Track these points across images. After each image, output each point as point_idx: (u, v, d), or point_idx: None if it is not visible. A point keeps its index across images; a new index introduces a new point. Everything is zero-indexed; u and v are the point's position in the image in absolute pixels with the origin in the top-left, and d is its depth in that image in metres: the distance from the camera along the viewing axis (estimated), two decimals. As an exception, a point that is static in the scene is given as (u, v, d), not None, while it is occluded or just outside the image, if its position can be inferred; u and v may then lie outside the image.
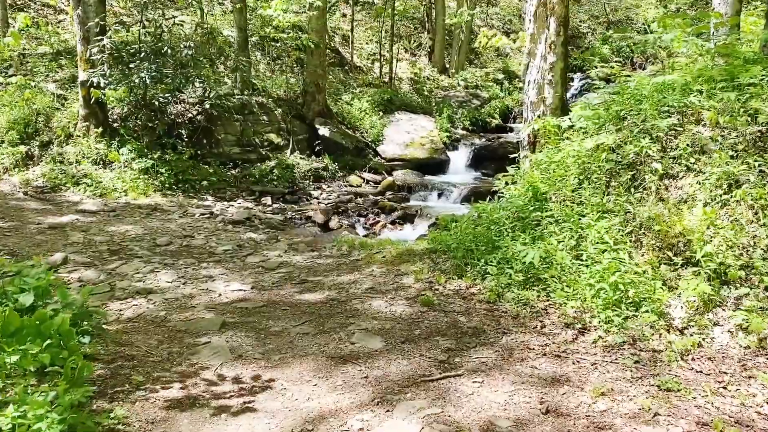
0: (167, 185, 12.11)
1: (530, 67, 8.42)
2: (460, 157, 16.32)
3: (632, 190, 5.90)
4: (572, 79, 26.89)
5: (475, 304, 5.61)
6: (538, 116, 8.33)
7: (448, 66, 23.42)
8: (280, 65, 18.10)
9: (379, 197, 13.06)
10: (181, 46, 12.48)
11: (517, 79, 24.74)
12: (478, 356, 4.56)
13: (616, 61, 30.74)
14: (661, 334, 4.72)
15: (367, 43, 22.89)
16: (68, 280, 6.43)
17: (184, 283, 6.80)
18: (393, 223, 11.75)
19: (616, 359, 4.47)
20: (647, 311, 4.87)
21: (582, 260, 5.51)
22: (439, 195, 13.40)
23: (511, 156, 15.70)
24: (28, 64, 13.99)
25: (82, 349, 4.04)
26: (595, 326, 4.93)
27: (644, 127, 6.10)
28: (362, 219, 11.94)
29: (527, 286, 5.61)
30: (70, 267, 6.97)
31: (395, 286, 6.13)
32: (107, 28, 12.54)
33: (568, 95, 24.30)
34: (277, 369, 4.37)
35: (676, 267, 5.14)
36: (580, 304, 5.15)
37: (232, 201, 12.30)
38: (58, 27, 16.08)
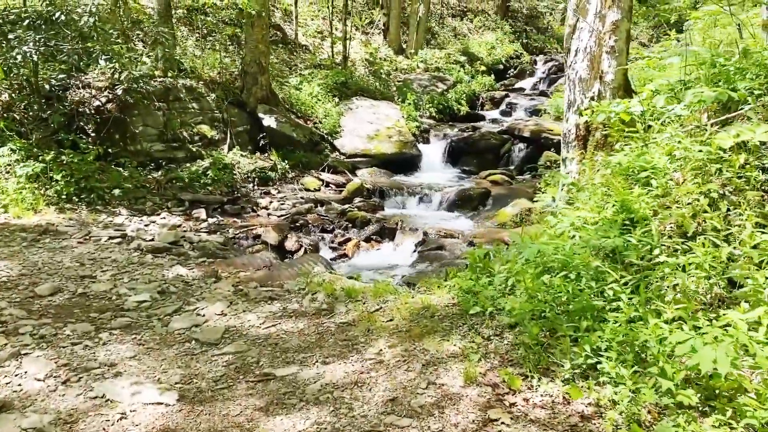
0: (65, 196, 9.03)
1: (578, 29, 5.92)
2: (433, 151, 13.78)
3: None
4: (535, 62, 24.85)
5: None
6: (591, 99, 5.85)
7: (404, 46, 20.81)
8: (212, 43, 15.04)
9: (346, 205, 10.36)
10: (79, 10, 9.35)
11: (479, 62, 22.43)
12: None
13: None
14: None
15: (312, 19, 20.00)
16: None
17: (65, 384, 4.01)
18: (368, 240, 9.10)
19: None
20: None
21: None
22: (419, 200, 10.82)
23: (500, 150, 13.48)
24: None
25: None
26: None
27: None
28: (328, 236, 9.23)
29: (703, 411, 3.06)
30: None
31: (435, 398, 3.49)
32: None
33: (532, 82, 22.28)
34: None
35: None
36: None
37: (154, 215, 9.34)
38: None
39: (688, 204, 4.16)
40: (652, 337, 3.32)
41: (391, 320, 4.62)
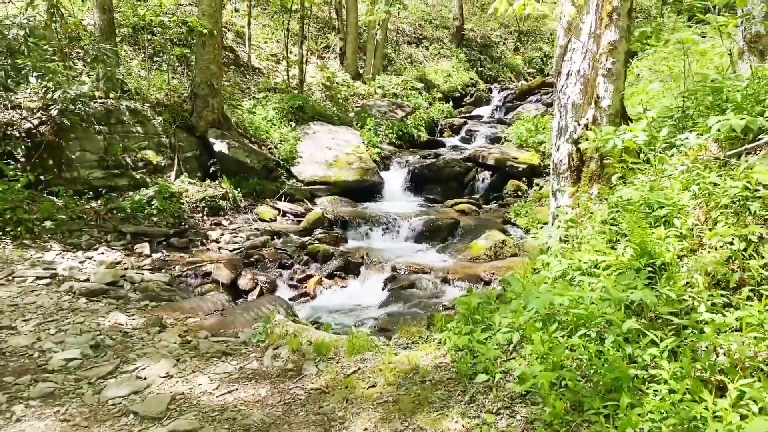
0: (-14, 230, 7.98)
1: (570, 50, 5.39)
2: (395, 179, 13.14)
3: None
4: (490, 90, 24.72)
5: None
6: (585, 126, 5.30)
7: (361, 71, 20.27)
8: (159, 63, 14.12)
9: (305, 237, 9.55)
10: (7, 22, 8.39)
11: (435, 89, 22.11)
12: None
13: (528, 73, 29.35)
14: None
15: (266, 42, 19.27)
16: None
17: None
18: (332, 276, 8.32)
19: None
20: None
21: None
22: (385, 231, 10.11)
23: (464, 178, 12.92)
24: None
25: None
26: None
27: None
28: (286, 272, 8.41)
29: None
30: None
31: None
32: None
33: (489, 110, 22.05)
34: None
35: None
36: None
37: (91, 250, 8.33)
38: None
39: (720, 248, 3.59)
40: (709, 418, 2.69)
41: (373, 386, 3.87)
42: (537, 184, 12.19)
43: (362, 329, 6.43)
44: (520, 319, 3.83)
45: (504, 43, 29.78)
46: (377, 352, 4.41)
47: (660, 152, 4.72)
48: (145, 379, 4.43)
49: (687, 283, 3.48)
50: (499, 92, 23.86)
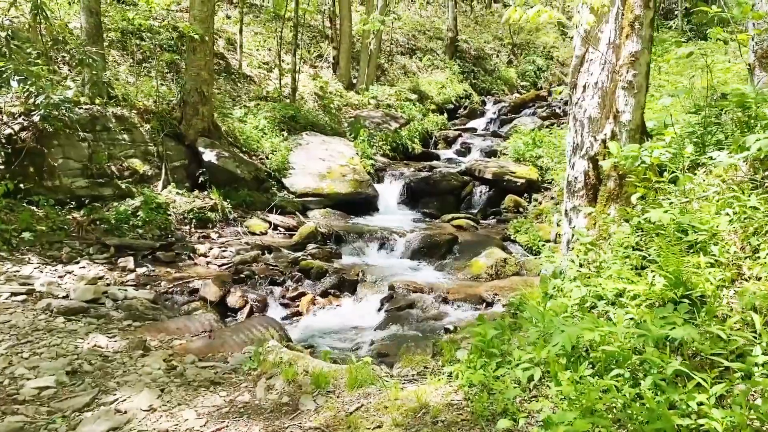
0: (-40, 241, 7.52)
1: (587, 62, 5.08)
2: (389, 192, 12.78)
3: None
4: (484, 103, 24.50)
5: None
6: (603, 141, 4.98)
7: (355, 81, 19.97)
8: (148, 69, 13.71)
9: (298, 252, 9.14)
10: (-12, 23, 7.99)
11: (429, 100, 21.85)
12: None
13: (522, 86, 29.21)
14: None
15: (257, 50, 18.93)
16: None
17: None
18: (325, 294, 7.93)
19: None
20: None
21: None
22: (380, 246, 9.73)
23: (461, 192, 12.51)
24: None
25: None
26: None
27: None
28: (278, 289, 8.01)
29: None
30: None
31: None
32: None
33: (483, 123, 21.79)
34: None
35: None
36: None
37: (72, 264, 7.89)
38: None
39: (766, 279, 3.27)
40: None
41: (379, 427, 3.49)
42: (536, 200, 11.88)
43: (360, 354, 6.06)
44: (541, 354, 3.47)
45: (497, 56, 29.64)
46: (381, 386, 4.03)
47: (685, 171, 4.41)
48: (125, 413, 4.02)
49: (734, 319, 3.14)
50: (493, 105, 23.65)
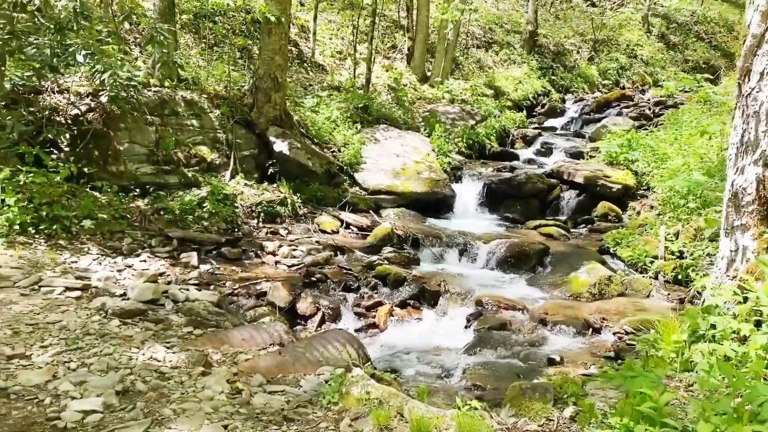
0: (18, 226, 7.00)
1: (761, 54, 4.01)
2: (466, 192, 11.80)
3: None
4: (564, 101, 23.14)
5: None
6: (783, 147, 3.91)
7: (429, 74, 19.04)
8: (219, 54, 13.19)
9: (373, 256, 8.32)
10: (58, -6, 7.48)
11: (505, 96, 20.69)
12: None
13: (603, 84, 27.62)
14: None
15: (330, 38, 18.24)
16: None
17: None
18: (404, 305, 7.08)
19: None
20: None
21: None
22: (461, 254, 8.79)
23: (547, 197, 11.36)
24: None
25: None
26: None
27: None
28: (351, 296, 7.21)
29: None
30: None
31: None
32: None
33: (563, 122, 20.46)
34: None
35: None
36: None
37: (132, 256, 7.31)
38: None
39: None
40: None
41: None
42: (633, 208, 10.70)
43: (451, 384, 5.19)
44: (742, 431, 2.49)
45: (578, 52, 28.11)
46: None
47: None
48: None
49: None
50: (573, 103, 22.30)
